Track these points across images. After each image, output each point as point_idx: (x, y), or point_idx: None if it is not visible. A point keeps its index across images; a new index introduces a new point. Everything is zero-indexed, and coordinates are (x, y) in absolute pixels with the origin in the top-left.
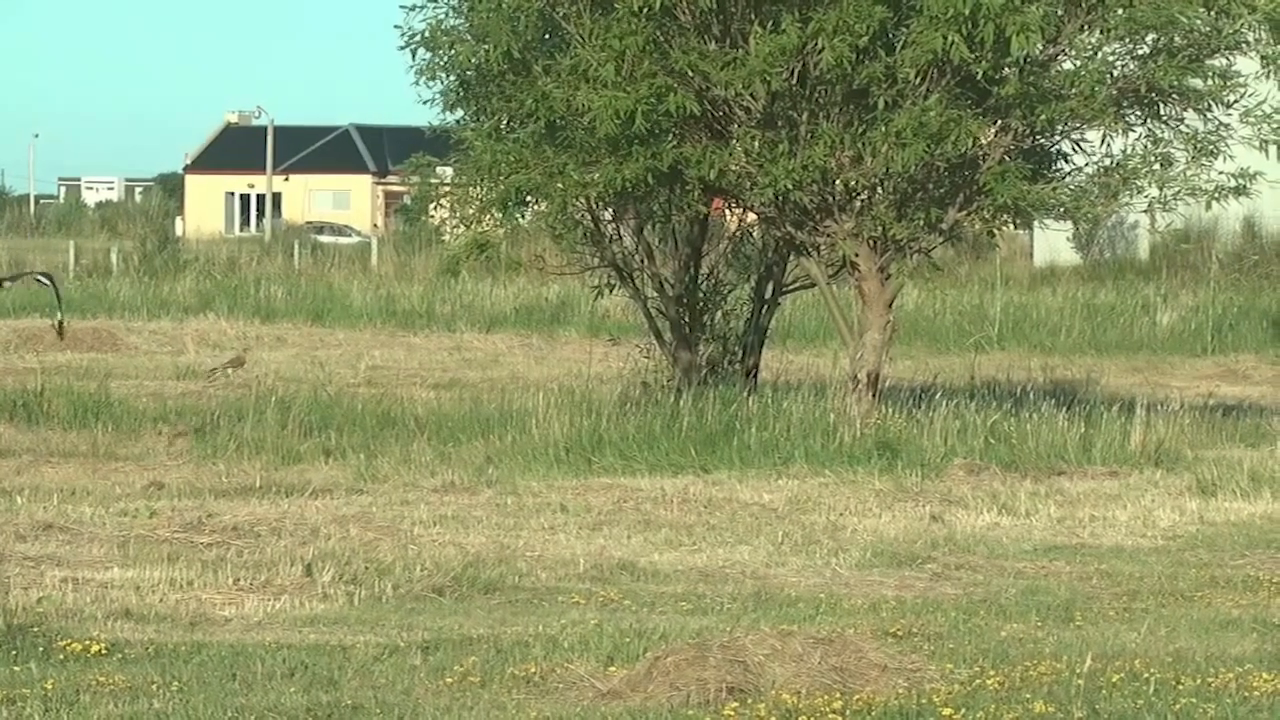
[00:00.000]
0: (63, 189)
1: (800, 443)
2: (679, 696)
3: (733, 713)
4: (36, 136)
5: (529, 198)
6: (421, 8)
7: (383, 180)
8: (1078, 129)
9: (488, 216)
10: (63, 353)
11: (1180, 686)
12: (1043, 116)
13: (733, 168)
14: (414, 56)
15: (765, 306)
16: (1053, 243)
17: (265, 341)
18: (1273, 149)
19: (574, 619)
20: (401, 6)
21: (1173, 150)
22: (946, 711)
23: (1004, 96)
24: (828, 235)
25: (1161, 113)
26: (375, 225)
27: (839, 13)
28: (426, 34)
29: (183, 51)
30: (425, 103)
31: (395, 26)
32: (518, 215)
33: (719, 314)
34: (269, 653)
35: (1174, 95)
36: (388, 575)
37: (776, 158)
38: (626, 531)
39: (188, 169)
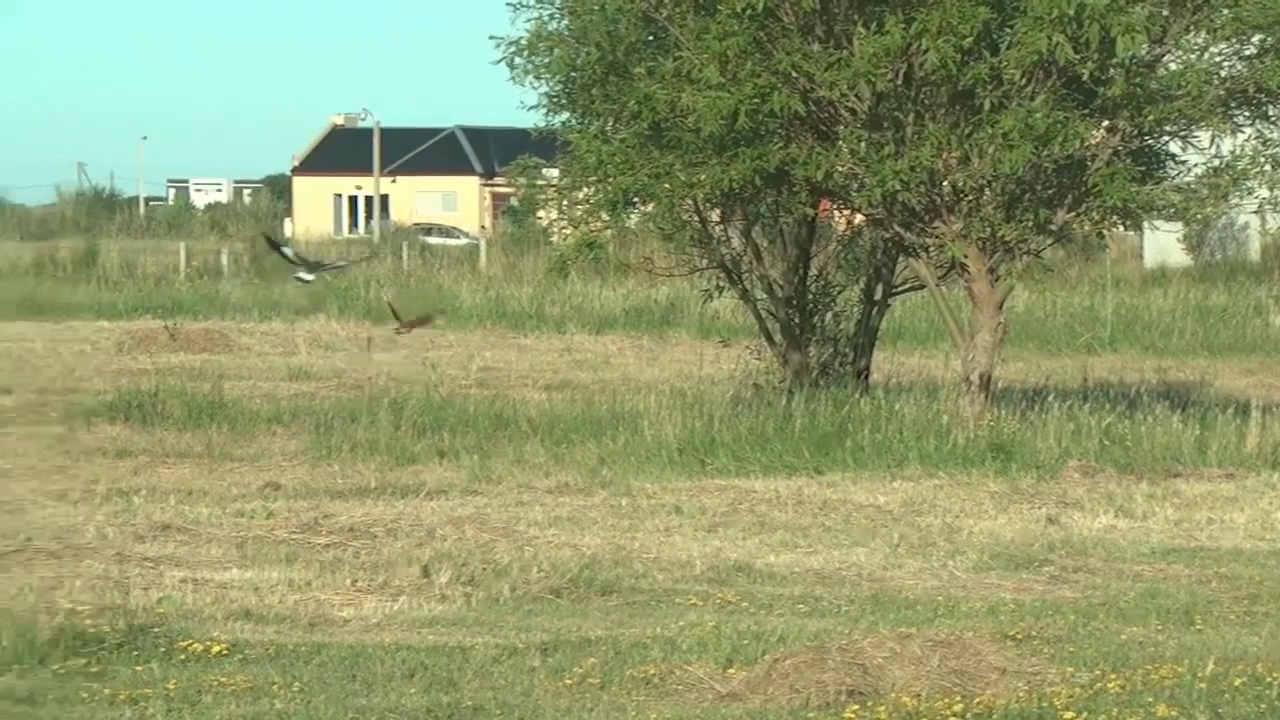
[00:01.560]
0: (172, 191)
1: (914, 444)
2: (798, 699)
3: (853, 715)
4: (144, 138)
5: (635, 199)
6: (526, 6)
7: (490, 182)
8: (1186, 130)
9: (595, 218)
10: (175, 354)
11: None
12: (1150, 117)
13: (839, 169)
14: (510, 66)
15: (875, 308)
16: (1163, 244)
17: (376, 343)
18: None
19: (692, 621)
20: (508, 3)
21: None
22: (1068, 715)
23: (1110, 97)
24: (936, 236)
25: (1270, 113)
26: (483, 227)
27: (942, 13)
28: (524, 42)
29: (289, 53)
30: (531, 108)
31: (490, 37)
32: (625, 216)
33: (829, 315)
34: (388, 654)
35: None
36: (504, 576)
37: (883, 159)
38: (742, 533)
39: (295, 171)
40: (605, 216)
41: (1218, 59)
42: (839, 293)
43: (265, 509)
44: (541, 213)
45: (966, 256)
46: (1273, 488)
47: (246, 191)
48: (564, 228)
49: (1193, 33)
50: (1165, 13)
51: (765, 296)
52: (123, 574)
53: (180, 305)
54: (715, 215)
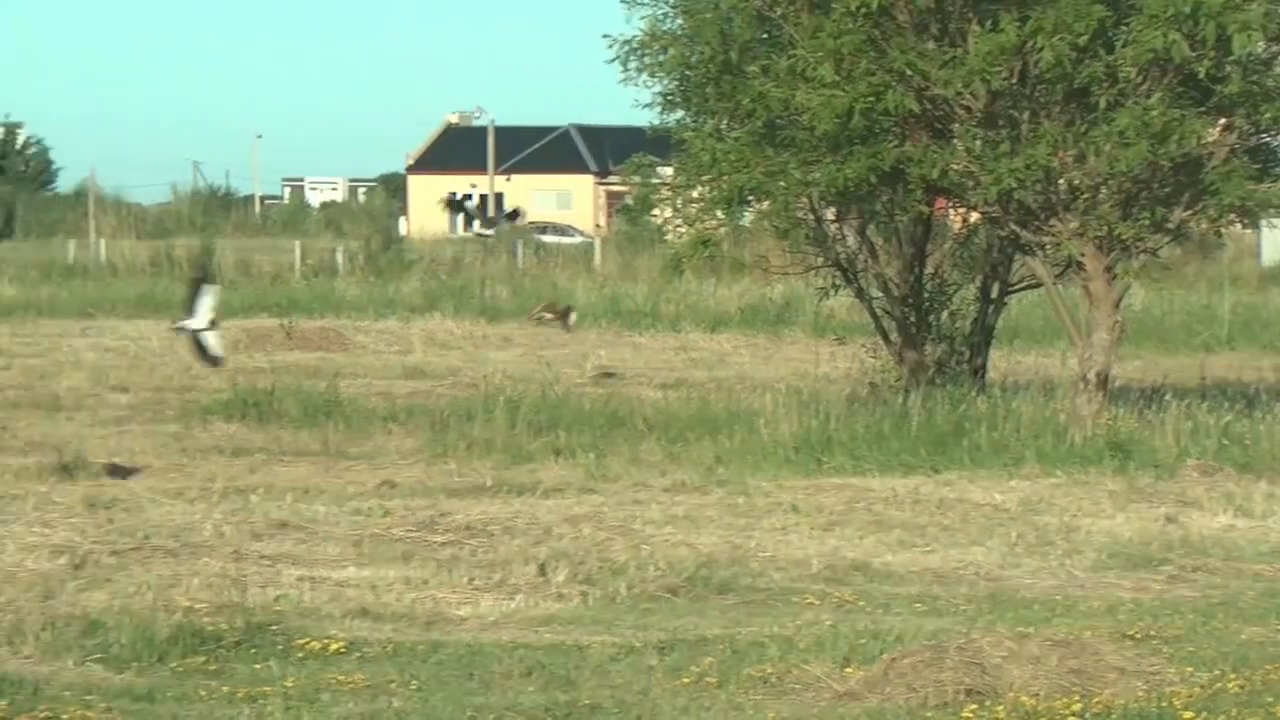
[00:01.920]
0: (287, 190)
1: (1031, 443)
2: (916, 698)
3: (971, 714)
4: (260, 137)
5: (750, 197)
6: (641, 4)
7: (604, 180)
8: None
9: (710, 216)
10: (291, 352)
11: None
12: (1267, 115)
13: (955, 167)
14: (624, 65)
15: (991, 306)
16: None
17: (492, 341)
18: None
19: (809, 620)
20: (623, 1)
21: None
22: (1187, 715)
23: (1227, 95)
24: (1052, 234)
25: None
26: (598, 225)
27: (1057, 11)
28: (637, 41)
29: (403, 52)
30: (645, 106)
31: (604, 36)
32: (740, 214)
33: (945, 314)
34: (505, 652)
35: None
36: (621, 575)
37: (999, 157)
38: (859, 532)
39: (410, 169)
40: (720, 214)
41: None
42: (955, 291)
43: (381, 507)
44: (656, 211)
45: (1083, 255)
46: None
47: (361, 190)
48: (678, 226)
49: None
50: None
51: (881, 295)
52: (240, 572)
53: (296, 303)
54: (830, 213)
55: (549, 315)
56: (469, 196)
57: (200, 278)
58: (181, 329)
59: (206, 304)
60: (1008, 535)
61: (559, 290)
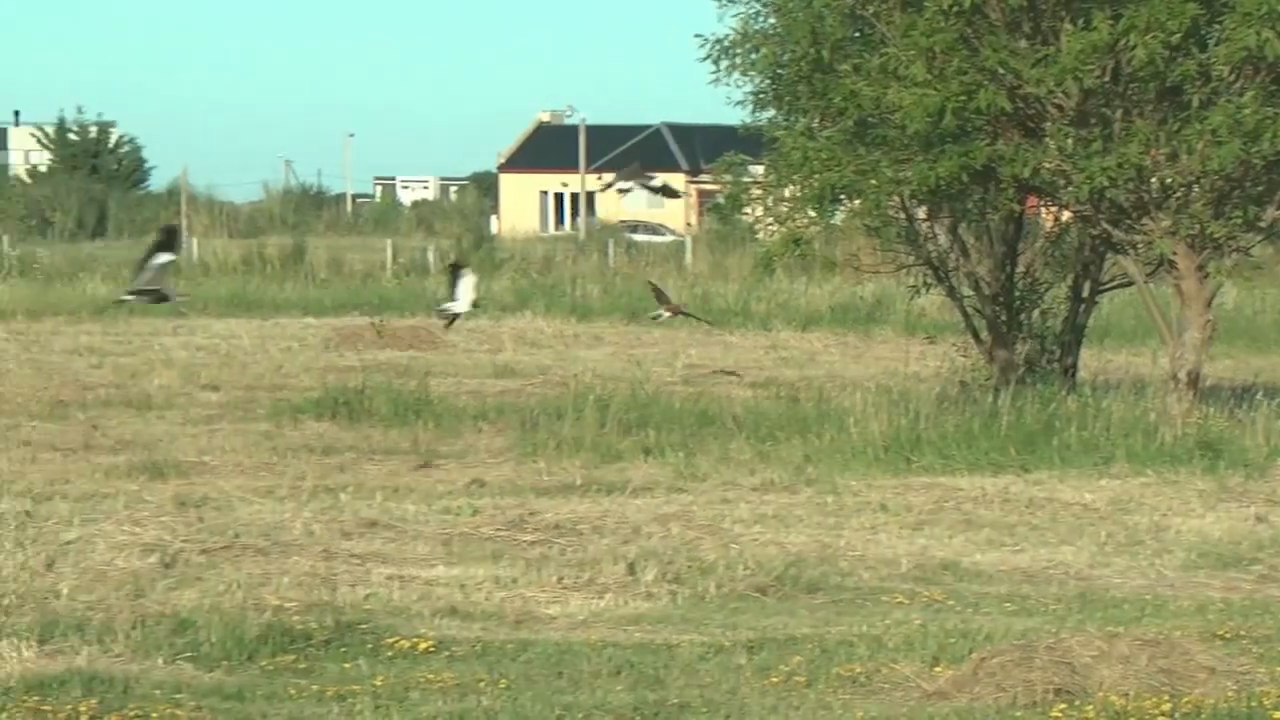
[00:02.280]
0: (379, 188)
1: (1121, 442)
2: (1005, 697)
3: (1060, 714)
4: (351, 136)
5: (841, 195)
6: (733, 1)
7: (695, 179)
8: None
9: (801, 214)
10: (381, 351)
11: None
12: None
13: (1046, 165)
14: (716, 65)
15: (1082, 305)
16: None
17: (582, 340)
18: None
19: (898, 619)
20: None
21: None
22: (1277, 715)
23: None
24: (1144, 233)
25: None
26: (689, 224)
27: (1150, 9)
28: (728, 41)
29: (495, 51)
30: (737, 103)
31: (695, 35)
32: (831, 213)
33: (1035, 312)
34: (594, 651)
35: None
36: (710, 574)
37: (1091, 155)
38: (948, 531)
39: (501, 168)
40: (811, 213)
41: None
42: (1046, 290)
43: (471, 506)
44: (747, 209)
45: (1175, 253)
46: None
47: (453, 189)
48: (770, 225)
49: None
50: None
51: (972, 293)
52: (330, 571)
53: (387, 302)
54: (922, 212)
55: (668, 313)
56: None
57: (459, 264)
58: (444, 311)
59: (467, 287)
60: (1097, 534)
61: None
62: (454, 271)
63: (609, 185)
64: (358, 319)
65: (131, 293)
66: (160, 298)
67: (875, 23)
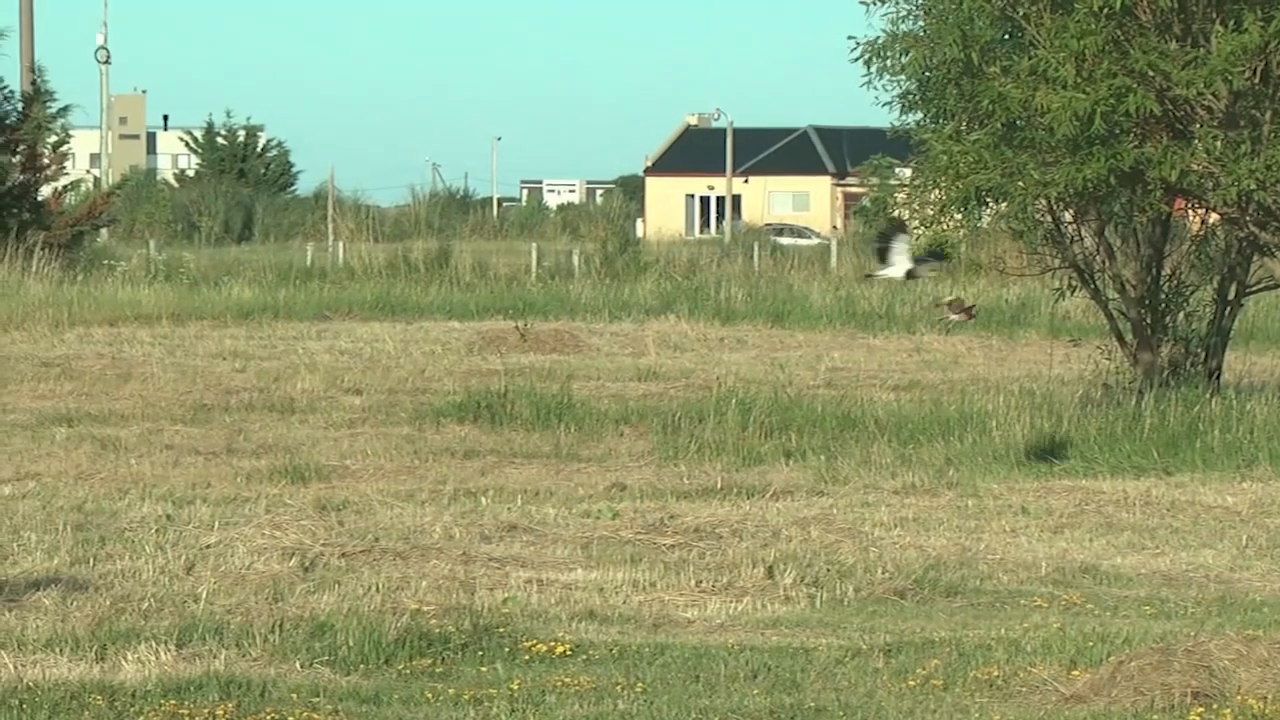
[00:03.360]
0: (525, 191)
1: (1264, 445)
2: (1143, 701)
3: (1197, 718)
4: (499, 140)
5: (988, 198)
6: (882, 2)
7: (841, 181)
8: None
9: (947, 217)
10: (525, 354)
11: None
12: None
13: (1194, 168)
14: (868, 66)
15: (1228, 308)
16: None
17: (726, 343)
18: None
19: (1036, 622)
20: (861, 2)
21: None
22: None
23: None
24: None
25: None
26: (834, 227)
27: None
28: (880, 42)
29: (642, 54)
30: (884, 105)
31: (849, 37)
32: (977, 215)
33: (1181, 315)
34: (731, 654)
35: None
36: (849, 577)
37: (1239, 157)
38: (1088, 534)
39: (648, 171)
40: (957, 215)
41: None
42: (1191, 292)
43: (611, 509)
44: (894, 212)
45: None
46: None
47: (599, 192)
48: (916, 227)
49: None
50: None
51: (1117, 296)
52: (468, 574)
53: (531, 306)
54: (1068, 214)
55: (956, 315)
56: (902, 227)
57: (890, 230)
58: (876, 278)
59: (902, 249)
60: (1238, 538)
61: (793, 292)
62: (884, 238)
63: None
64: (502, 322)
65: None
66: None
67: (1025, 25)
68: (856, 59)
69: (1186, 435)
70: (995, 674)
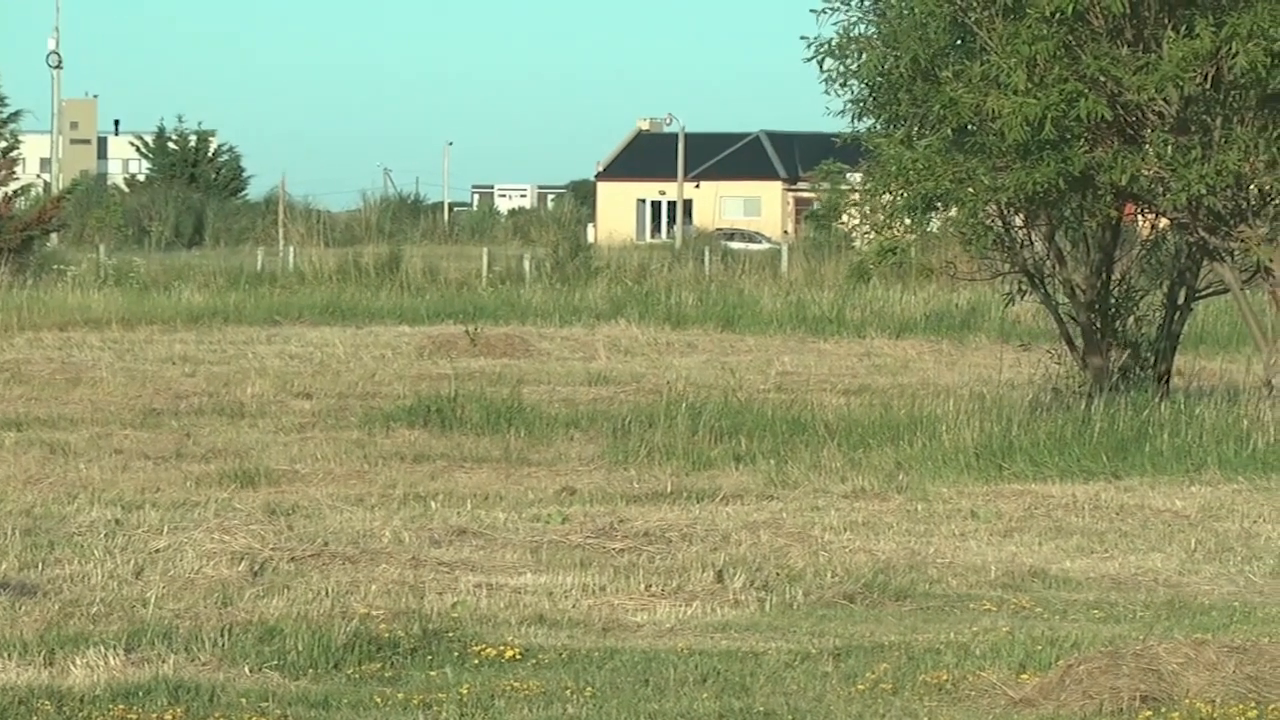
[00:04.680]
0: (476, 196)
1: (1213, 449)
2: (1092, 705)
3: None
4: (450, 144)
5: (938, 203)
6: (834, 10)
7: (793, 187)
8: None
9: (897, 222)
10: (475, 359)
11: None
12: None
13: (1144, 173)
14: (821, 67)
15: (1178, 312)
16: None
17: (676, 348)
18: None
19: (985, 626)
20: (812, 10)
21: None
22: None
23: None
24: (1241, 240)
25: None
26: (785, 232)
27: (1253, 17)
28: (835, 42)
29: (595, 59)
30: (837, 114)
31: (801, 37)
32: (927, 221)
33: (1131, 320)
34: (681, 659)
35: None
36: (798, 581)
37: (1189, 163)
38: (1037, 538)
39: (599, 176)
40: (907, 221)
41: None
42: (1141, 297)
43: (561, 514)
44: (844, 217)
45: (1271, 261)
46: None
47: (550, 197)
48: (866, 232)
49: None
50: None
51: (1067, 300)
52: (418, 578)
53: (481, 310)
54: (1018, 219)
55: None
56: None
57: None
58: None
59: None
60: (1187, 541)
61: (744, 296)
62: None
63: None
64: (452, 327)
65: None
66: None
67: (977, 31)
68: (810, 59)
69: (1136, 439)
70: (944, 678)
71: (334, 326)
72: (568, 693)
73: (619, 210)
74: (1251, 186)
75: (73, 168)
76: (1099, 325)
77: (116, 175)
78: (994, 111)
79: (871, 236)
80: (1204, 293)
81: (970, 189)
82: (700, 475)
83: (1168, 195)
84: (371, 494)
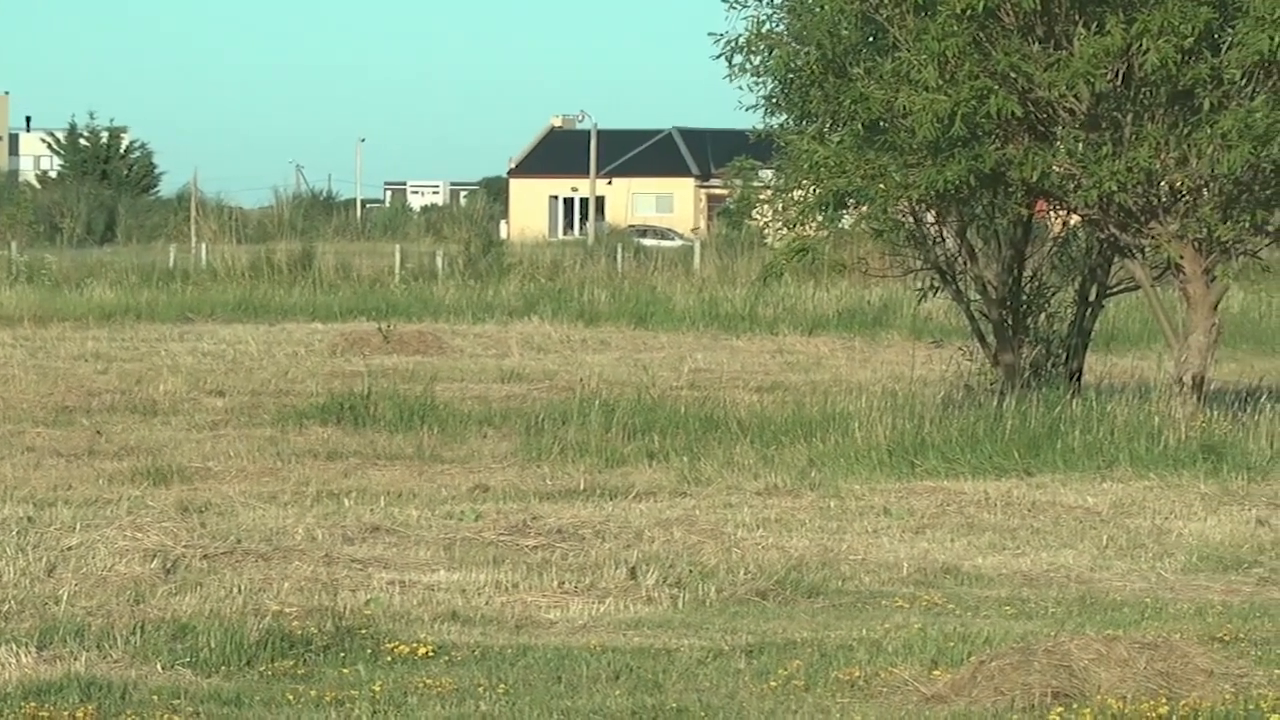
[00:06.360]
0: (388, 193)
1: (1124, 446)
2: (1003, 701)
3: (1058, 717)
4: (363, 141)
5: (850, 200)
6: (743, 5)
7: (705, 183)
8: None
9: (809, 219)
10: (388, 356)
11: None
12: None
13: (1056, 169)
14: (730, 63)
15: (1089, 309)
16: None
17: (589, 345)
18: None
19: (898, 623)
20: (724, 2)
21: None
22: (1274, 718)
23: None
24: (1152, 237)
25: None
26: (697, 228)
27: (1163, 13)
28: (744, 39)
29: (507, 55)
30: (749, 109)
31: (710, 33)
32: (839, 218)
33: (1042, 316)
34: (594, 656)
35: None
36: (711, 578)
37: (1100, 159)
38: (950, 535)
39: (512, 173)
40: (819, 218)
41: None
42: (1053, 294)
43: (474, 511)
44: (757, 214)
45: (1182, 257)
46: None
47: (463, 194)
48: (779, 229)
49: None
50: None
51: (979, 297)
52: (331, 576)
53: (394, 307)
54: (930, 216)
55: None
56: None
57: None
58: None
59: None
60: (1099, 538)
61: (657, 293)
62: None
63: None
64: (365, 324)
65: None
66: None
67: (888, 27)
68: (719, 55)
69: (1048, 436)
70: (857, 674)
71: (247, 324)
72: (480, 690)
73: (532, 207)
74: (1162, 183)
75: None
76: (1011, 322)
77: (28, 172)
78: (905, 108)
79: (784, 233)
80: (1115, 289)
81: (881, 185)
82: (613, 472)
83: (1079, 192)
84: (284, 491)
